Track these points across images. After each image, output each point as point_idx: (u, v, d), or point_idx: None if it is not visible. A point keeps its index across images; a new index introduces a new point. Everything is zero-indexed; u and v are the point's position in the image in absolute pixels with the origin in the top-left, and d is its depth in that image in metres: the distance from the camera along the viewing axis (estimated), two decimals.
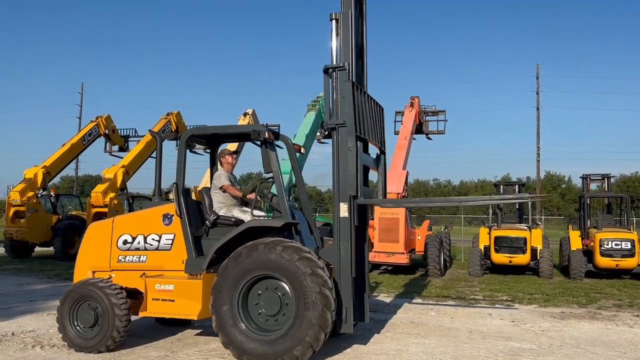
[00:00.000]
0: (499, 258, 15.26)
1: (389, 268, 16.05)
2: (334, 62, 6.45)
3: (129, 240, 6.88)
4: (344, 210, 6.20)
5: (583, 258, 14.72)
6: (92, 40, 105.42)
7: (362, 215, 6.72)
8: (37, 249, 19.44)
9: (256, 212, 6.57)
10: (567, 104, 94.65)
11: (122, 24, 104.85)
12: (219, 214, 6.69)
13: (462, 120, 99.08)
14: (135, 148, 21.13)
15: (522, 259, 15.09)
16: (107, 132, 22.35)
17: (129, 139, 23.93)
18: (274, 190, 6.75)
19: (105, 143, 23.70)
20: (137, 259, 6.78)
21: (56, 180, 68.04)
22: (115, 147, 23.88)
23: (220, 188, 6.83)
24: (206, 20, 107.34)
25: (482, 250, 15.75)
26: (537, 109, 45.93)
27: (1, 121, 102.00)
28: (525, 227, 15.80)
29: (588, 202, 16.51)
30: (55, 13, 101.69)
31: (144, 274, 6.61)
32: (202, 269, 6.26)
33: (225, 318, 5.87)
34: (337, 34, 6.54)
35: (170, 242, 6.68)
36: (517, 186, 18.20)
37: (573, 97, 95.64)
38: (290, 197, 15.36)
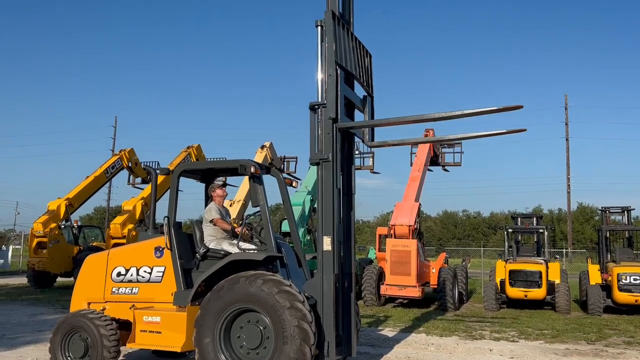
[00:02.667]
0: (514, 292, 14.94)
1: (404, 301, 15.88)
2: (319, 94, 6.58)
3: (122, 272, 7.05)
4: (327, 243, 6.26)
5: (601, 293, 14.30)
6: (125, 73, 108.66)
7: (347, 248, 6.79)
8: (59, 279, 19.85)
9: (244, 245, 6.68)
10: (599, 135, 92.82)
11: (152, 59, 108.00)
12: (209, 246, 6.82)
13: (492, 151, 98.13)
14: (154, 181, 21.57)
15: (538, 293, 14.75)
16: (130, 164, 22.91)
17: (154, 169, 24.45)
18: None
19: (129, 175, 24.23)
20: (130, 291, 6.93)
21: (89, 210, 69.95)
22: (138, 180, 24.39)
23: (211, 221, 6.97)
24: (229, 51, 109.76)
25: (498, 284, 15.48)
26: (567, 139, 45.45)
27: (37, 154, 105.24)
28: (542, 261, 15.47)
29: (607, 235, 16.12)
30: (88, 47, 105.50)
31: (134, 305, 6.75)
32: (187, 301, 6.36)
33: (206, 351, 5.93)
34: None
35: (161, 274, 6.82)
36: (535, 218, 17.91)
37: (606, 127, 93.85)
38: (302, 230, 15.57)
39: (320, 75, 6.63)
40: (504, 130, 6.14)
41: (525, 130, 6.02)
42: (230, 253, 6.61)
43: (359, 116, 7.46)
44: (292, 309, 5.66)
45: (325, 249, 6.24)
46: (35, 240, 18.87)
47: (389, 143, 7.16)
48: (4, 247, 29.77)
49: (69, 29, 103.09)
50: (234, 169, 6.83)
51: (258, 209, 6.69)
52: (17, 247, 36.57)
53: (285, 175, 13.74)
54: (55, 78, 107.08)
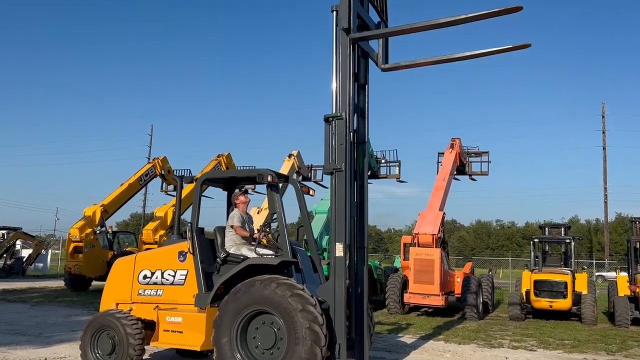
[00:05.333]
0: (539, 303, 14.89)
1: (429, 310, 15.96)
2: (333, 106, 6.86)
3: (148, 275, 7.45)
4: (339, 250, 6.52)
5: (629, 305, 14.14)
6: (163, 82, 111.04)
7: (361, 257, 7.05)
8: (94, 282, 20.57)
9: (262, 251, 7.00)
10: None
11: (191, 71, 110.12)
12: (229, 251, 7.16)
13: (529, 160, 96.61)
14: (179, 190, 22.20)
15: (563, 304, 14.66)
16: (162, 172, 23.62)
17: (181, 178, 25.14)
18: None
19: (162, 183, 24.96)
20: (155, 293, 7.33)
21: (125, 216, 71.63)
22: (171, 187, 25.09)
23: (232, 227, 7.32)
24: (259, 67, 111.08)
25: (524, 294, 15.43)
26: (604, 148, 44.50)
27: (78, 161, 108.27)
28: (568, 271, 15.37)
29: (637, 246, 15.89)
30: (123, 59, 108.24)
31: (158, 306, 7.14)
32: (207, 302, 6.72)
33: (224, 350, 6.26)
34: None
35: (184, 277, 7.20)
36: (563, 228, 17.79)
37: None
38: (327, 237, 15.81)
39: (334, 84, 6.89)
40: (509, 46, 6.36)
41: (530, 45, 6.20)
42: (248, 258, 6.94)
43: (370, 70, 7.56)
44: (304, 312, 5.94)
45: (337, 255, 6.50)
46: (72, 245, 19.64)
47: (402, 65, 7.23)
48: (43, 252, 30.86)
49: (107, 39, 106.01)
50: (253, 178, 7.18)
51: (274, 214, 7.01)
52: (56, 251, 37.86)
53: (303, 183, 13.95)
54: (97, 86, 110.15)
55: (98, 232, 20.54)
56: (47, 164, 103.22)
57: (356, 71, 7.21)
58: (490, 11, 6.06)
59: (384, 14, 7.67)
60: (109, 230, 21.11)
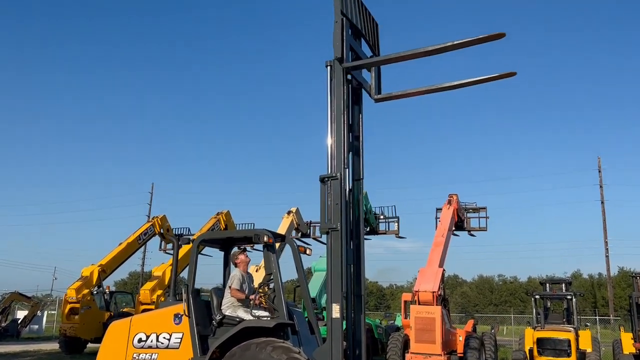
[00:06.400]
0: None
1: None
2: (328, 166, 6.96)
3: (143, 339, 7.35)
4: (336, 311, 6.47)
5: None
6: (163, 141, 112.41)
7: (358, 306, 6.99)
8: (89, 345, 20.15)
9: (258, 312, 6.94)
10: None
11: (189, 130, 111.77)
12: (225, 313, 7.10)
13: (528, 215, 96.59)
14: (175, 251, 22.12)
15: None
16: (161, 231, 23.58)
17: (178, 238, 25.06)
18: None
19: (160, 242, 24.89)
20: (149, 357, 7.20)
21: (124, 275, 70.97)
22: (169, 246, 25.00)
23: (229, 288, 7.28)
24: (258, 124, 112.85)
25: (527, 352, 15.14)
26: (602, 202, 44.73)
27: (77, 220, 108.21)
28: (572, 328, 15.14)
29: (639, 302, 15.72)
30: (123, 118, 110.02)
31: None
32: None
33: None
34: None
35: (179, 340, 7.10)
36: (564, 284, 17.63)
37: None
38: (326, 296, 15.64)
39: (329, 141, 7.00)
40: (495, 75, 6.52)
41: (515, 73, 6.38)
42: (245, 320, 6.87)
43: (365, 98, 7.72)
44: None
45: (334, 316, 6.44)
46: (68, 306, 19.35)
47: (395, 95, 7.33)
48: (39, 313, 30.38)
49: (104, 94, 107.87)
50: (249, 238, 7.20)
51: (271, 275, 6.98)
52: (52, 312, 37.26)
53: (299, 243, 13.96)
54: (94, 144, 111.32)
55: (95, 292, 20.29)
56: (45, 223, 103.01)
57: (350, 122, 7.32)
58: (476, 38, 6.30)
59: (376, 48, 7.91)
60: (106, 290, 20.86)
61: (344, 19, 6.95)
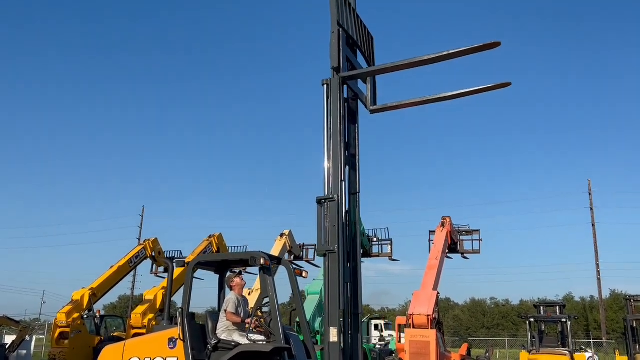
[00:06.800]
0: None
1: None
2: (325, 188, 6.96)
3: None
4: (333, 334, 6.41)
5: None
6: (154, 161, 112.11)
7: (355, 339, 6.92)
8: None
9: (254, 337, 6.85)
10: (630, 219, 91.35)
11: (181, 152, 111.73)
12: (221, 338, 7.01)
13: (521, 238, 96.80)
14: (170, 274, 21.90)
15: None
16: (153, 254, 23.35)
17: (172, 261, 24.83)
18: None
19: (152, 265, 24.62)
20: None
21: (113, 299, 70.13)
22: (161, 269, 24.73)
23: (225, 311, 7.20)
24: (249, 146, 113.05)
25: None
26: (593, 225, 44.90)
27: (66, 243, 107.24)
28: (566, 352, 15.09)
29: (634, 325, 15.71)
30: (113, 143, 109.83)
31: None
32: None
33: None
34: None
35: None
36: (558, 307, 17.60)
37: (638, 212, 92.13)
38: (320, 320, 15.52)
39: (326, 164, 7.01)
40: (490, 85, 6.62)
41: (510, 84, 6.46)
42: (240, 344, 6.79)
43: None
44: None
45: (331, 340, 6.38)
46: (58, 331, 19.02)
47: (390, 106, 7.42)
48: (27, 338, 29.83)
49: (96, 118, 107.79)
50: (245, 261, 7.15)
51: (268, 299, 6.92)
52: (40, 336, 36.64)
53: (295, 265, 13.83)
54: (84, 169, 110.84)
55: (85, 316, 19.99)
56: (33, 246, 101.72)
57: (347, 139, 7.35)
58: (471, 47, 6.39)
59: (372, 60, 8.02)
60: (97, 314, 20.56)
61: (341, 29, 7.07)
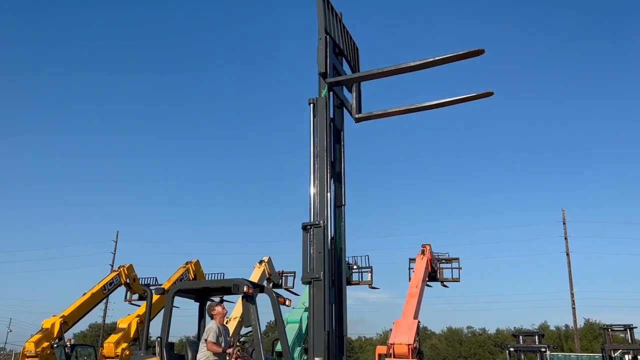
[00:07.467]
0: None
1: None
2: (311, 214, 6.85)
3: None
4: None
5: None
6: (127, 187, 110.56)
7: (339, 347, 6.75)
8: None
9: None
10: (605, 249, 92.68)
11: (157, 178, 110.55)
12: None
13: (497, 267, 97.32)
14: (149, 301, 21.40)
15: None
16: (128, 281, 22.79)
17: (150, 288, 24.28)
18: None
19: (126, 292, 24.01)
20: None
21: (83, 327, 68.18)
22: (136, 296, 24.15)
23: (205, 341, 6.98)
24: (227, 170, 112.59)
25: None
26: (567, 254, 45.22)
27: (34, 269, 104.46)
28: None
29: (612, 354, 15.74)
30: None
31: None
32: None
33: None
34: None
35: None
36: (537, 336, 17.59)
37: (612, 242, 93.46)
38: (299, 349, 15.22)
39: (312, 190, 6.91)
40: (473, 95, 6.65)
41: (492, 93, 6.51)
42: None
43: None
44: None
45: None
46: None
47: (375, 114, 7.45)
48: None
49: (71, 138, 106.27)
50: (228, 288, 6.95)
51: (250, 329, 6.73)
52: None
53: (278, 293, 13.54)
54: (55, 190, 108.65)
55: (55, 345, 19.30)
56: (0, 272, 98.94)
57: (332, 159, 7.28)
58: (456, 54, 6.43)
59: (357, 69, 8.14)
60: (68, 343, 19.86)
61: (327, 37, 7.15)
